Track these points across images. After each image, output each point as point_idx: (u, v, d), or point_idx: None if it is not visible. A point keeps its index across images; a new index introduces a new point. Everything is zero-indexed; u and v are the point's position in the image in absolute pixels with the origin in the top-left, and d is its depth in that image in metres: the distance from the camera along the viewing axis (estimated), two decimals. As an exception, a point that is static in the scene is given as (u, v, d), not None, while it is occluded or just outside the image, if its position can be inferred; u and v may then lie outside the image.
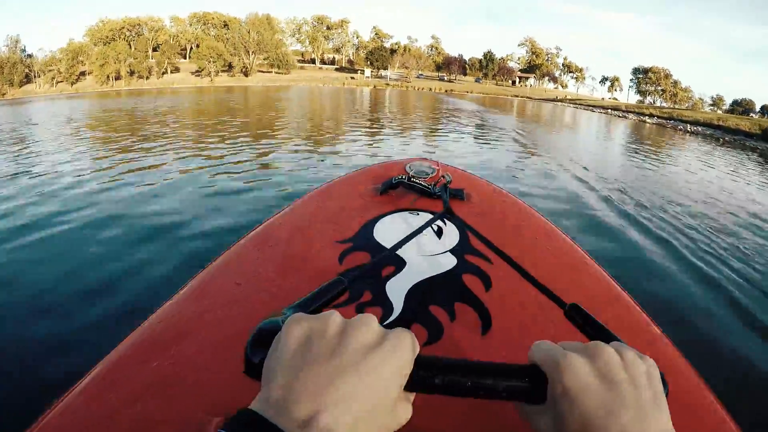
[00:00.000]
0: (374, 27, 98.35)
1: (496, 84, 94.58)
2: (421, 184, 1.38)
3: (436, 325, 0.81)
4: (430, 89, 75.44)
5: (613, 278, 1.09)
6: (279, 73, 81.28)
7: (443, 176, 1.36)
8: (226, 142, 8.27)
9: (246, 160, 6.48)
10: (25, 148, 8.22)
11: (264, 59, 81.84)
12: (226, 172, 5.61)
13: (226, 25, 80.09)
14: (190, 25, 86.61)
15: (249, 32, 78.55)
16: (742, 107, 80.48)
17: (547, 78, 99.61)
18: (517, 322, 0.83)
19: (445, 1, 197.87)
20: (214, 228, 3.59)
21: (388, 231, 1.13)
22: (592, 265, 1.14)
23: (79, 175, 5.48)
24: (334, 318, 0.35)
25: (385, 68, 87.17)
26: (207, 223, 3.69)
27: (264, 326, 0.38)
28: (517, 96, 74.85)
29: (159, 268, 2.90)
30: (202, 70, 73.94)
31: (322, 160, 6.77)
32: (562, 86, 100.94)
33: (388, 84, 75.11)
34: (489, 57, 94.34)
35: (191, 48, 79.84)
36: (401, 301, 0.86)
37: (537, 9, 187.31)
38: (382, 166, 1.69)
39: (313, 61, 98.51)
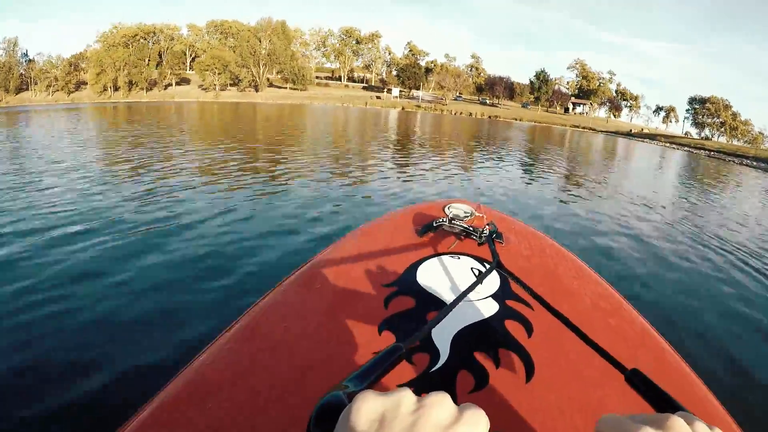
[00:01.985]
0: (409, 42, 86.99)
1: (547, 110, 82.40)
2: (462, 227, 1.39)
3: (481, 371, 0.81)
4: (470, 114, 63.98)
5: (648, 322, 1.10)
6: (294, 89, 70.83)
7: (488, 224, 1.39)
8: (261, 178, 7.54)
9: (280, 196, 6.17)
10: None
11: (277, 73, 71.90)
12: (261, 210, 5.36)
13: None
14: (207, 34, 78.75)
15: (260, 40, 68.09)
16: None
17: (608, 105, 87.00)
18: (560, 370, 0.84)
19: (482, 22, 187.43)
20: (258, 266, 3.61)
21: (430, 275, 1.14)
22: (627, 306, 1.16)
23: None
24: (406, 396, 0.34)
25: (418, 88, 75.55)
26: (251, 261, 3.70)
27: (327, 401, 0.37)
28: (577, 126, 62.41)
29: (206, 305, 2.93)
30: (205, 81, 64.60)
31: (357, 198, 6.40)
32: (614, 115, 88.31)
33: (419, 106, 63.91)
34: (542, 78, 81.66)
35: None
36: (447, 348, 0.87)
37: (572, 35, 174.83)
38: (421, 207, 1.70)
39: (341, 78, 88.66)
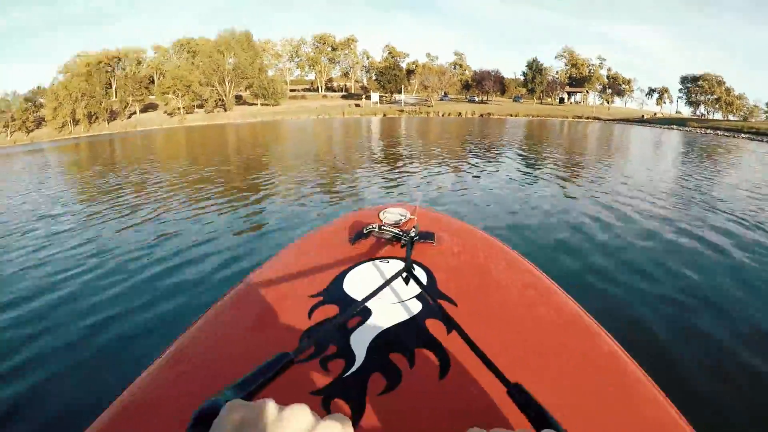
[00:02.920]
0: (387, 45, 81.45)
1: (541, 103, 77.17)
2: (391, 232, 1.40)
3: (395, 372, 0.82)
4: (460, 114, 58.76)
5: (580, 307, 1.11)
6: (265, 104, 65.23)
7: (414, 228, 1.42)
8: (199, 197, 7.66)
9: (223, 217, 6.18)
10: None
11: (245, 88, 66.14)
12: (200, 231, 5.44)
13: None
14: (175, 54, 73.77)
15: (223, 54, 62.26)
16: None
17: (608, 90, 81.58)
18: (475, 364, 0.83)
19: (462, 21, 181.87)
20: (197, 286, 3.66)
21: (358, 282, 1.15)
22: (556, 292, 1.18)
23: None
24: (268, 406, 0.36)
25: (400, 91, 69.58)
26: (189, 281, 3.76)
27: (203, 408, 0.39)
28: (579, 117, 57.07)
29: (141, 333, 2.97)
30: (168, 105, 59.31)
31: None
32: (608, 101, 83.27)
33: (402, 110, 58.34)
34: (535, 67, 75.44)
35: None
36: (364, 352, 0.88)
37: (554, 29, 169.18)
38: (356, 215, 1.71)
39: (319, 89, 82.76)
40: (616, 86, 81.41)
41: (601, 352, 0.91)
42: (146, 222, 5.95)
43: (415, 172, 9.65)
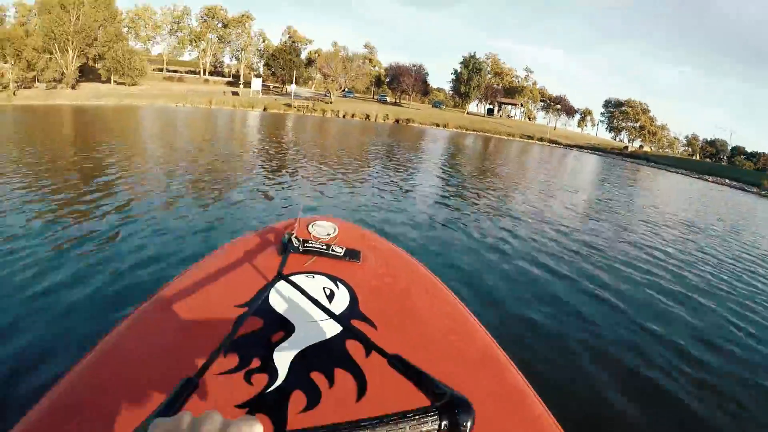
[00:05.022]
0: (288, 27, 70.47)
1: (466, 112, 70.22)
2: (318, 246, 1.43)
3: (315, 391, 0.85)
4: (367, 117, 50.61)
5: (493, 338, 1.14)
6: (121, 83, 53.31)
7: (340, 246, 1.45)
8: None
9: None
10: None
11: (95, 60, 53.60)
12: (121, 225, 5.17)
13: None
14: (38, 13, 61.21)
15: (68, 11, 48.98)
16: (714, 147, 75.07)
17: (559, 110, 76.01)
18: (391, 387, 0.85)
19: (370, 25, 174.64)
20: (116, 290, 3.57)
21: (282, 295, 1.17)
22: (473, 325, 1.20)
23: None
24: (184, 417, 0.43)
25: (293, 81, 58.15)
26: (110, 285, 3.65)
27: None
28: (530, 137, 50.80)
29: (69, 327, 2.95)
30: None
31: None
32: (529, 118, 78.48)
33: (290, 105, 48.68)
34: (473, 66, 65.47)
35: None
36: (286, 368, 0.90)
37: (465, 40, 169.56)
38: (284, 225, 1.70)
39: (203, 72, 69.59)
40: (565, 104, 76.39)
41: (508, 388, 0.94)
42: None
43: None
